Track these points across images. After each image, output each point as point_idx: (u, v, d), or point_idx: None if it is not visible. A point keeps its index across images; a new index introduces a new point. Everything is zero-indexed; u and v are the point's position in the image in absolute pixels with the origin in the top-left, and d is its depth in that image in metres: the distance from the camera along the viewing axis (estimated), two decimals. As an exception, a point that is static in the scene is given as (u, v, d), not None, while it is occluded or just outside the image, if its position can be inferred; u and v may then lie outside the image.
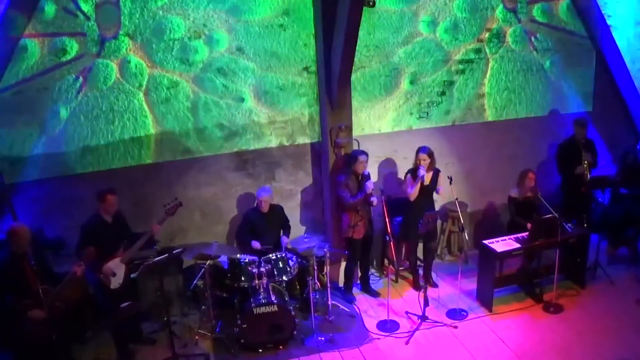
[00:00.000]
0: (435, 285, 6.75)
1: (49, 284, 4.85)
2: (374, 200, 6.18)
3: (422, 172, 6.23)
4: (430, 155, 6.31)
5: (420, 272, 6.92)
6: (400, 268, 7.02)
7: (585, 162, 6.93)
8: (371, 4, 5.24)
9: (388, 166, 7.10)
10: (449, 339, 5.83)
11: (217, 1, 5.98)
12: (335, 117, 6.39)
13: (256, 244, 6.20)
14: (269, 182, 6.70)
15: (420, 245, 6.85)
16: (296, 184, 6.89)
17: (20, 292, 4.77)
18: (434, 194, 6.52)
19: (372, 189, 6.09)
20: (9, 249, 4.87)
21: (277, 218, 6.44)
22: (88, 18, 5.68)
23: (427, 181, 6.37)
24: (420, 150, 6.33)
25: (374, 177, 6.55)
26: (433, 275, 6.87)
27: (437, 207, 6.83)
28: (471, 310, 6.26)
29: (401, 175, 7.02)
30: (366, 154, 6.26)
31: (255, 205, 6.38)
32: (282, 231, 6.47)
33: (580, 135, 7.04)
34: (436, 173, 6.46)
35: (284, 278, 5.88)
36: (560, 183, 7.35)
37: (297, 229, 6.87)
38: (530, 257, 6.47)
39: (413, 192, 6.34)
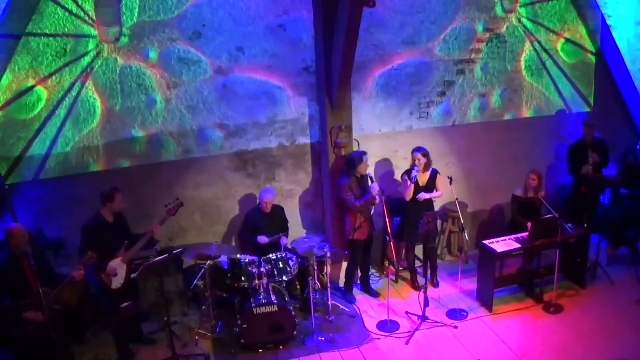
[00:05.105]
0: (437, 285, 6.76)
1: (49, 285, 4.85)
2: (377, 198, 6.16)
3: (414, 172, 6.24)
4: (425, 155, 6.30)
5: (419, 272, 6.93)
6: (400, 268, 7.02)
7: (591, 161, 6.94)
8: (371, 4, 5.23)
9: (387, 166, 7.10)
10: (449, 339, 5.83)
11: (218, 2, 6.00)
12: (335, 117, 6.39)
13: (262, 238, 6.20)
14: (269, 182, 6.70)
15: (420, 246, 6.86)
16: (296, 184, 6.89)
17: (19, 293, 4.77)
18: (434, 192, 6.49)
19: (378, 190, 6.07)
20: (9, 249, 4.87)
21: (278, 219, 6.45)
22: (89, 17, 5.68)
23: (422, 182, 6.37)
24: (415, 150, 6.33)
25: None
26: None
27: (437, 207, 6.84)
28: (471, 310, 6.26)
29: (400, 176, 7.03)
30: (367, 153, 6.26)
31: (256, 205, 6.39)
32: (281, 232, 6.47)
33: (588, 135, 7.06)
34: (433, 173, 6.45)
35: (284, 278, 5.88)
36: (571, 183, 7.39)
37: (297, 229, 6.87)
38: (530, 257, 6.47)
39: (407, 193, 6.35)
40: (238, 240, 6.69)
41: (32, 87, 5.67)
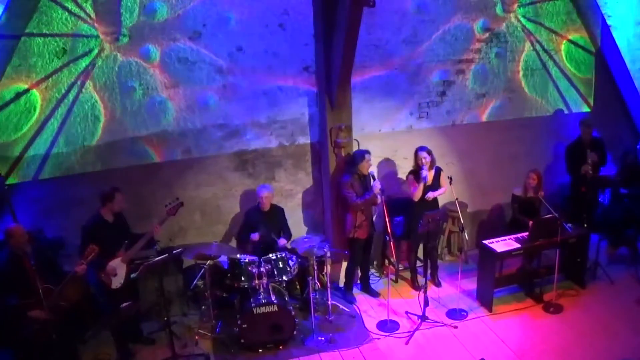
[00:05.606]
0: (439, 285, 6.76)
1: (53, 283, 4.85)
2: (379, 198, 6.16)
3: (424, 172, 6.24)
4: (430, 153, 6.32)
5: (420, 271, 6.93)
6: (400, 268, 7.03)
7: (590, 161, 6.94)
8: (371, 4, 5.23)
9: (388, 166, 7.10)
10: (449, 339, 5.83)
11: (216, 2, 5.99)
12: (335, 117, 6.39)
13: (255, 235, 6.20)
14: (269, 182, 6.69)
15: (421, 246, 6.86)
16: (296, 184, 6.89)
17: (22, 292, 4.78)
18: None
19: (380, 188, 6.07)
20: (9, 249, 4.88)
21: (276, 218, 6.44)
22: (90, 17, 5.68)
23: (429, 181, 6.38)
24: (419, 149, 6.34)
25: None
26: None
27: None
28: (471, 310, 6.26)
29: (401, 175, 7.03)
30: (370, 153, 6.26)
31: (256, 204, 6.39)
32: (281, 233, 6.45)
33: (586, 135, 7.07)
34: (437, 171, 6.47)
35: (284, 278, 5.89)
36: (570, 183, 7.39)
37: (298, 229, 6.87)
38: (530, 257, 6.47)
39: (417, 193, 6.35)
40: (235, 237, 6.69)
41: (29, 89, 5.65)
